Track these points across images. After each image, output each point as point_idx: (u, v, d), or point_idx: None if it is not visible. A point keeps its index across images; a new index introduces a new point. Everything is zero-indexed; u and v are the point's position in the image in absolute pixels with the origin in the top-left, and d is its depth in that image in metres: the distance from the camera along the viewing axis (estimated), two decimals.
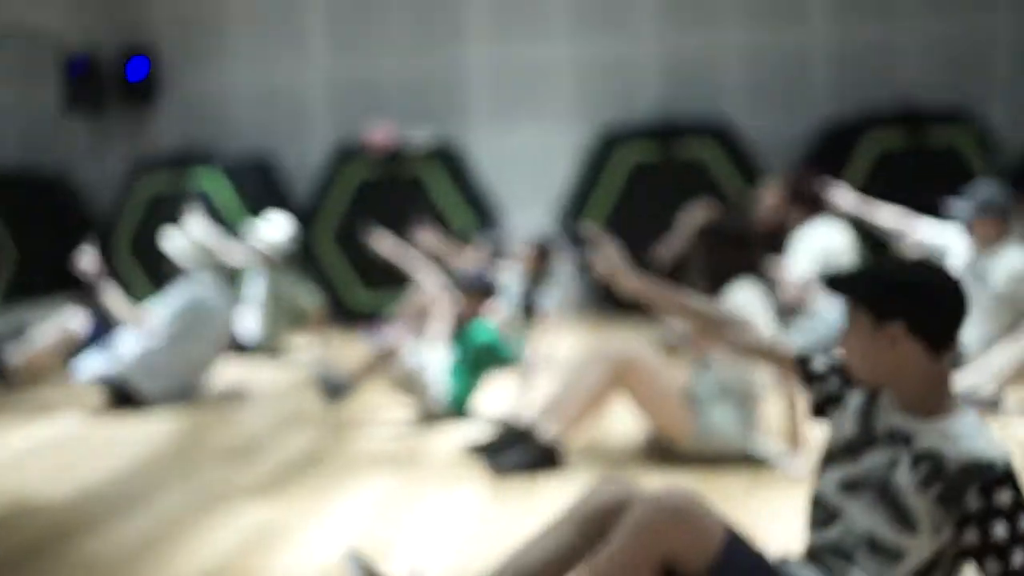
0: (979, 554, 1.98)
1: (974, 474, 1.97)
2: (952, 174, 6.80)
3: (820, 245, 5.39)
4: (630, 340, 3.71)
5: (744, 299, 3.84)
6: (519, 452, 3.81)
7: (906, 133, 7.26)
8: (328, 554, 3.02)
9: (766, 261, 4.62)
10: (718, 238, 3.97)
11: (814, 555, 2.15)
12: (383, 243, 5.69)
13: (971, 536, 1.97)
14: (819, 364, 2.31)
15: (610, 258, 2.78)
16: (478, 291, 4.92)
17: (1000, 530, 1.95)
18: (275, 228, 6.67)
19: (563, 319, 6.84)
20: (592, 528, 2.27)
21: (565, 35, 8.17)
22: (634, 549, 2.07)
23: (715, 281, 3.93)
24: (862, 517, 2.06)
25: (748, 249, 4.00)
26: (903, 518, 2.02)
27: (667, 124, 7.67)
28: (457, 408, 4.70)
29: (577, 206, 7.63)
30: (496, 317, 5.00)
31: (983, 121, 7.45)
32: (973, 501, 1.96)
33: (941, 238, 5.20)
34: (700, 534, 2.07)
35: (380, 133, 7.78)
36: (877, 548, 2.04)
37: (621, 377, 3.81)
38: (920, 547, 2.01)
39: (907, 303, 2.05)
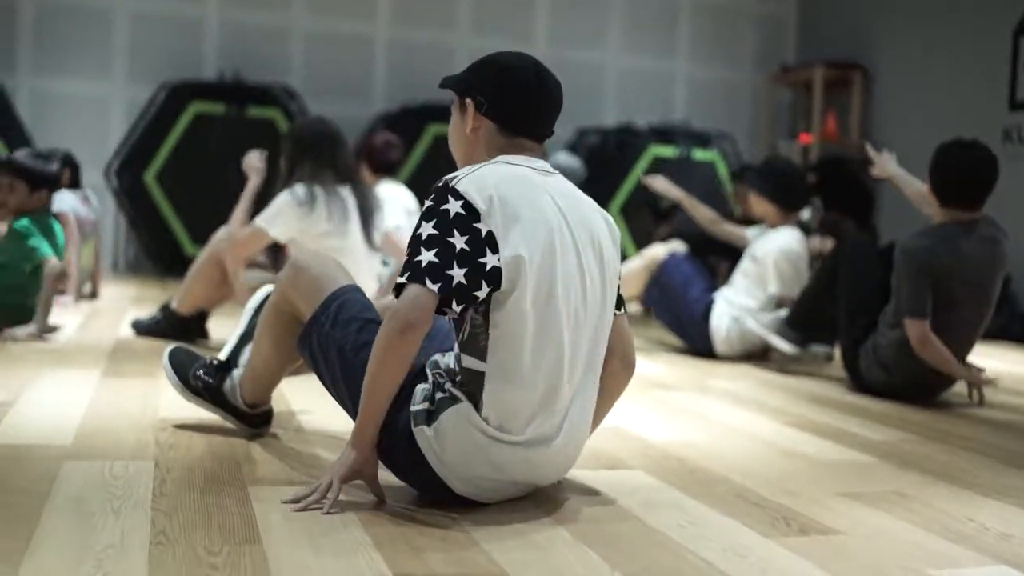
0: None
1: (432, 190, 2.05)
2: None
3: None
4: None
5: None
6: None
7: None
8: None
9: None
10: None
11: None
12: None
13: None
14: None
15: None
16: None
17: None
18: None
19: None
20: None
21: None
22: (273, 295, 2.44)
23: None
24: None
25: None
26: None
27: (237, 85, 7.79)
28: None
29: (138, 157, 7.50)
30: None
31: None
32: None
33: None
34: (310, 287, 2.30)
35: None
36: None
37: (217, 252, 4.19)
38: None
39: (477, 80, 2.10)
